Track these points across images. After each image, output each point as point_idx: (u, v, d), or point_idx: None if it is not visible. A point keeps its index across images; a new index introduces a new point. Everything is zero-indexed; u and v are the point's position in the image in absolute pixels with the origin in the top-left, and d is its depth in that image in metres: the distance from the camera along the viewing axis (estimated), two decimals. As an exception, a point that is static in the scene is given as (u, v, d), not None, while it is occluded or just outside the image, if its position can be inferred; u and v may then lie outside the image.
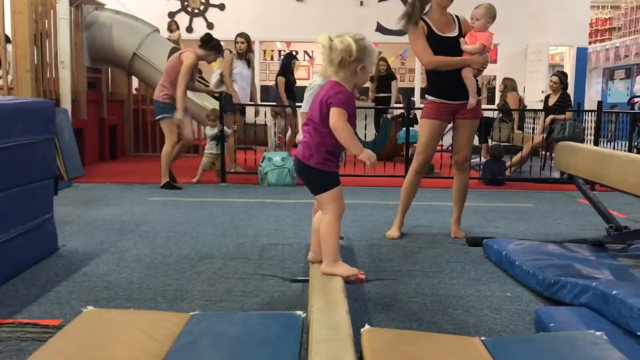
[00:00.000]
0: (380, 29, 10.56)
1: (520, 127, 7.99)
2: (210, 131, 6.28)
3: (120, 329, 1.79)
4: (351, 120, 2.34)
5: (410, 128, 6.58)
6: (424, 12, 3.65)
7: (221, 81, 6.70)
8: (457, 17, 3.72)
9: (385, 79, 9.20)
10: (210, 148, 6.28)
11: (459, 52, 3.62)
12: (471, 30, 3.67)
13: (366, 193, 5.65)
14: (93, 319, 1.87)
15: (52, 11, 6.52)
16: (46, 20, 6.42)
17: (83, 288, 2.71)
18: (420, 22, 3.62)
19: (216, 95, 6.44)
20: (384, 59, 9.27)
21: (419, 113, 7.08)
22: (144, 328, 1.77)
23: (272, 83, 14.30)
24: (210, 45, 5.72)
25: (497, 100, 9.20)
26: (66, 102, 6.59)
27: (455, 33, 3.65)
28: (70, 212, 4.44)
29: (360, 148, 2.30)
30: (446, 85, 3.65)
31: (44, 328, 2.16)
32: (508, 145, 7.73)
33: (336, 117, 2.26)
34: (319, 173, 2.36)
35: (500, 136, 7.58)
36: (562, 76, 7.22)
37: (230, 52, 6.75)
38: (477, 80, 3.76)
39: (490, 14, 3.67)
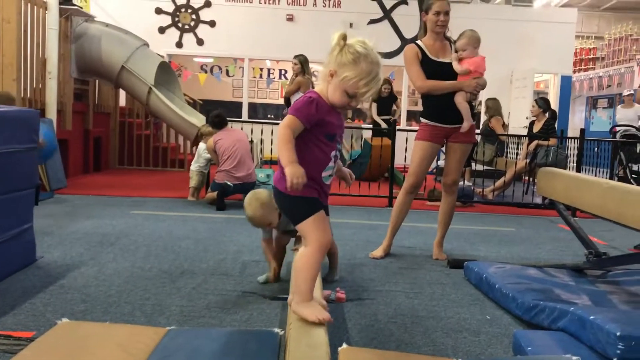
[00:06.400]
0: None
1: (501, 152, 8.03)
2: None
3: (95, 342, 1.76)
4: (317, 134, 1.97)
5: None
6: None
7: None
8: (454, 42, 3.77)
9: (387, 101, 8.90)
10: (206, 167, 6.14)
11: (454, 76, 3.67)
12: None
13: (350, 212, 5.66)
14: (67, 331, 1.84)
15: (41, 21, 6.51)
16: (35, 30, 6.40)
17: (59, 300, 2.67)
18: (415, 47, 3.68)
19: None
20: (388, 81, 8.97)
21: (402, 135, 7.18)
22: (119, 342, 1.75)
23: (260, 101, 14.46)
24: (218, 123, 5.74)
25: (482, 121, 9.28)
26: (51, 113, 6.55)
27: (449, 59, 3.70)
28: (50, 223, 4.39)
29: (289, 160, 1.86)
30: (439, 108, 3.70)
31: (17, 340, 2.12)
32: (491, 169, 7.80)
33: (281, 123, 1.95)
34: (291, 199, 1.98)
35: (484, 157, 7.63)
36: (542, 102, 7.33)
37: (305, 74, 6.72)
38: (472, 105, 3.80)
39: (472, 41, 3.70)
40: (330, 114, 1.98)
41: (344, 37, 1.92)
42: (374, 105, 8.99)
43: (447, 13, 3.63)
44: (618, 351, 1.92)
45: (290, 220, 2.08)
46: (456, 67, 3.65)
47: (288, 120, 1.92)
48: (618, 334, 1.93)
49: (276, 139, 1.93)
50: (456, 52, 3.72)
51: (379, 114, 8.90)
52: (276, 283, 3.09)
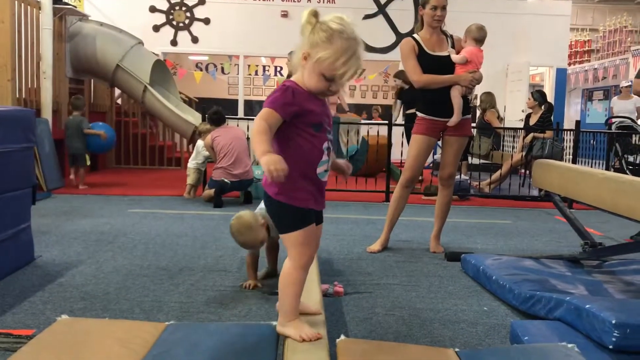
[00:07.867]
0: (364, 46, 10.66)
1: (497, 145, 8.03)
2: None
3: (95, 338, 1.77)
4: (300, 125, 1.75)
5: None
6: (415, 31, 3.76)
7: None
8: (450, 36, 3.79)
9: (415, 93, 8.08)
10: (203, 165, 6.16)
11: (451, 70, 3.69)
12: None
13: (347, 207, 5.68)
14: (67, 327, 1.85)
15: (35, 21, 6.50)
16: (29, 30, 6.39)
17: (58, 298, 2.68)
18: (411, 41, 3.69)
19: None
20: None
21: (399, 129, 7.18)
22: (118, 337, 1.76)
23: (256, 98, 14.47)
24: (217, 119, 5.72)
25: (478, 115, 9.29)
26: (47, 113, 6.54)
27: (446, 52, 3.71)
28: (48, 222, 4.39)
29: (262, 151, 1.60)
30: (436, 102, 3.71)
31: (17, 338, 2.13)
32: (487, 162, 7.82)
33: (257, 116, 1.72)
34: (279, 206, 1.79)
35: (480, 151, 7.66)
36: (537, 95, 7.35)
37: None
38: (468, 99, 3.82)
39: (468, 35, 3.77)
40: (310, 102, 1.76)
41: (314, 14, 1.73)
42: (398, 101, 8.28)
43: (444, 8, 3.64)
44: (613, 339, 1.94)
45: (276, 227, 1.94)
46: (454, 57, 3.67)
47: (263, 113, 1.70)
48: (613, 321, 1.94)
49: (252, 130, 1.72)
50: (453, 47, 3.74)
51: (410, 109, 7.88)
52: (275, 278, 3.10)
